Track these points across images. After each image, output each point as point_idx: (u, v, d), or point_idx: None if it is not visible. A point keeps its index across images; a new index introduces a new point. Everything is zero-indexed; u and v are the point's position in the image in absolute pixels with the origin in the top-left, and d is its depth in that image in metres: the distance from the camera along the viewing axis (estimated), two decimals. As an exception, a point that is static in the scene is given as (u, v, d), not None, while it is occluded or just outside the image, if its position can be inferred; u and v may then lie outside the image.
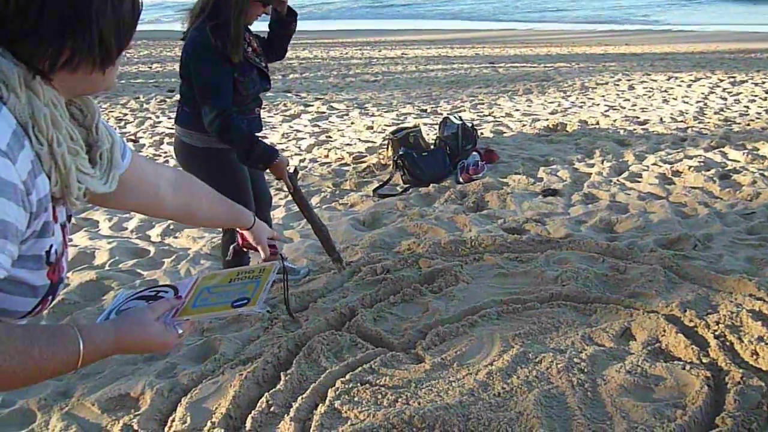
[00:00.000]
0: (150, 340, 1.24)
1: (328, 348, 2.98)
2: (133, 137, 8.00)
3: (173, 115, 9.27)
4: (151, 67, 15.81)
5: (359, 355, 2.93)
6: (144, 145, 7.56)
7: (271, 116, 9.08)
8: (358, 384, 2.67)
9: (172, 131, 8.08)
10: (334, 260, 3.58)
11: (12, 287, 1.06)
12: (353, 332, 3.14)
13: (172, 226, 4.71)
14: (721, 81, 11.22)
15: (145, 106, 10.25)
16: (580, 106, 9.40)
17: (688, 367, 2.70)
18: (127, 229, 4.81)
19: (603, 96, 10.26)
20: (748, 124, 7.67)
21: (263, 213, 3.67)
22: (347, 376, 2.72)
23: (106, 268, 4.04)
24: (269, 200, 3.79)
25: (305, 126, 8.52)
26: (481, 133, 7.27)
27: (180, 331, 1.30)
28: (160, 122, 8.95)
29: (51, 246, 1.10)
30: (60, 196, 1.09)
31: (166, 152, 7.18)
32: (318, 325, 3.19)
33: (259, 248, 1.85)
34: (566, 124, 7.96)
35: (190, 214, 1.63)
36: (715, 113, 8.48)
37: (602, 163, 6.10)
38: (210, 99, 2.99)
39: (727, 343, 2.90)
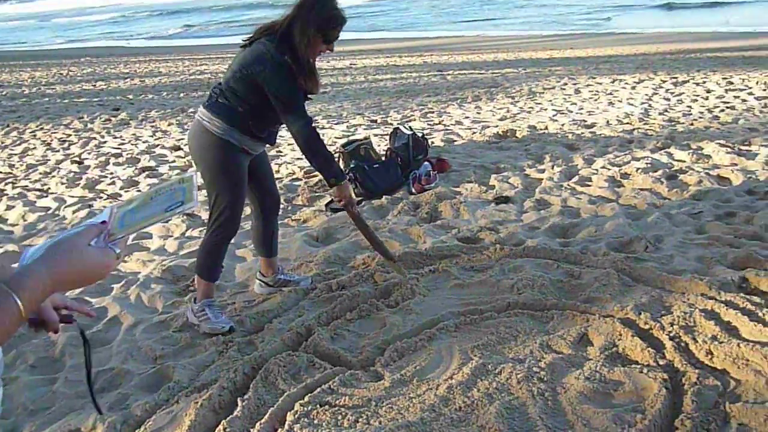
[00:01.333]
0: (89, 266, 1.15)
1: (286, 370, 2.92)
2: (77, 158, 7.79)
3: (119, 134, 9.17)
4: (95, 85, 15.49)
5: (317, 375, 2.87)
6: (89, 166, 7.36)
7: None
8: (318, 406, 2.62)
9: (118, 151, 7.98)
10: (397, 270, 3.77)
11: None
12: (310, 352, 3.09)
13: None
14: (664, 82, 11.48)
15: (89, 125, 10.01)
16: (529, 112, 9.51)
17: (645, 370, 2.72)
18: (73, 254, 4.65)
19: (550, 101, 10.40)
20: (692, 124, 7.85)
21: (270, 217, 3.66)
22: (306, 398, 2.67)
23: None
24: (277, 204, 3.74)
25: (255, 141, 8.39)
26: (432, 143, 7.28)
27: (118, 251, 1.21)
28: (105, 142, 8.74)
29: None
30: None
31: (112, 173, 7.01)
32: (274, 347, 3.13)
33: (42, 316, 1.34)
34: (516, 130, 8.04)
35: None
36: (660, 114, 8.66)
37: (552, 168, 6.16)
38: (294, 109, 3.23)
39: (682, 344, 2.93)
